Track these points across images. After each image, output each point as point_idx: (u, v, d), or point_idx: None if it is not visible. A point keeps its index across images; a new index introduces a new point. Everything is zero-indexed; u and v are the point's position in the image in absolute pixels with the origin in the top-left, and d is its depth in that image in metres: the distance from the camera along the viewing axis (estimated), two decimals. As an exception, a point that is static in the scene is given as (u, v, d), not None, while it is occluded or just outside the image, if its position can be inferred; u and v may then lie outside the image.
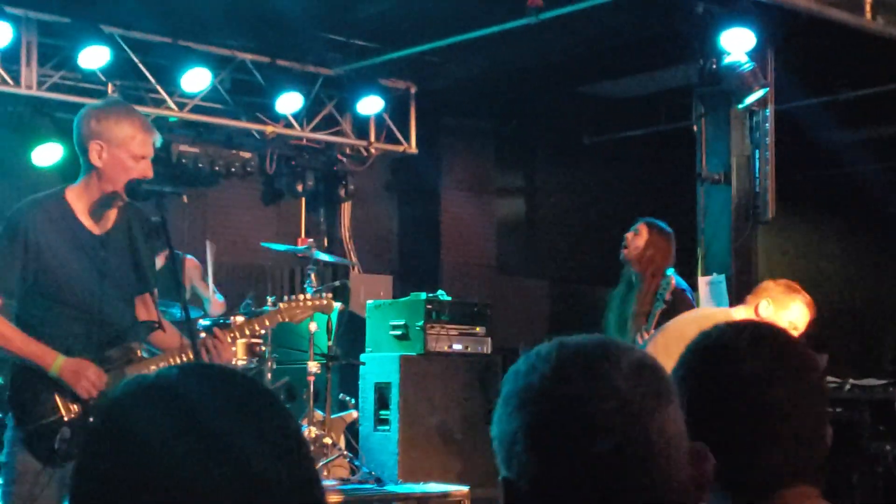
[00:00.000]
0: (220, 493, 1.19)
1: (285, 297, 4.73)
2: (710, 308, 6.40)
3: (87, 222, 4.16)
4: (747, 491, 1.82)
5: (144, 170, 4.14)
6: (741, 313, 5.42)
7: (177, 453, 1.20)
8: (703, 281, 8.07)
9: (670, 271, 6.10)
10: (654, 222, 6.68)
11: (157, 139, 4.22)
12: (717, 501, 1.80)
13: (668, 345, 5.45)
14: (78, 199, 4.15)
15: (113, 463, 1.22)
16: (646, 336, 5.97)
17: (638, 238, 6.59)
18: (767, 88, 8.14)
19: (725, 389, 1.85)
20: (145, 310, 4.35)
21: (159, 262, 7.49)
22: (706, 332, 1.95)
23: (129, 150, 4.09)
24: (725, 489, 1.80)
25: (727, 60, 7.99)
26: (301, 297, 4.73)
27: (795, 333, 5.30)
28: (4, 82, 8.66)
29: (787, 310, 5.34)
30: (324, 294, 4.99)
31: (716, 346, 1.91)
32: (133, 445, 1.22)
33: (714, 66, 8.11)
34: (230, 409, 1.25)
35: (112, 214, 4.21)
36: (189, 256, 8.59)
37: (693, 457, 1.49)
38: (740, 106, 8.16)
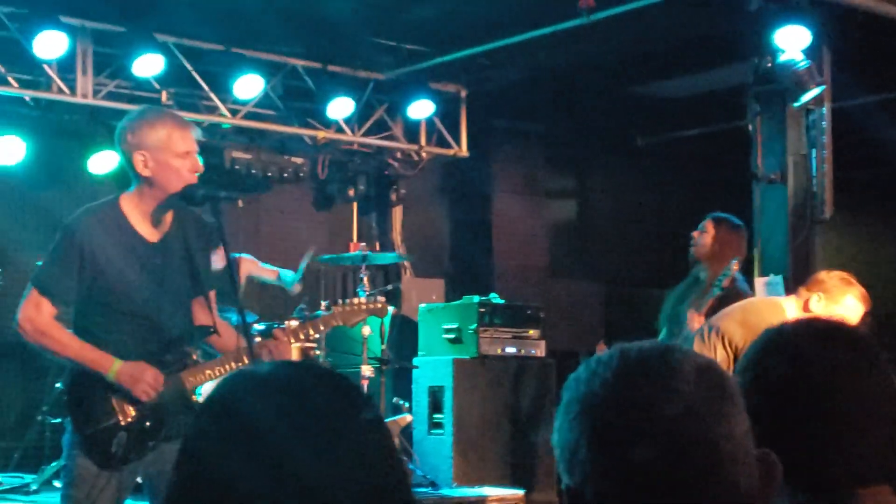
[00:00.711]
0: None
1: (339, 301, 4.73)
2: (760, 298, 6.31)
3: (141, 230, 4.18)
4: (821, 491, 1.78)
5: (194, 164, 4.15)
6: (791, 305, 5.35)
7: (246, 476, 1.20)
8: (759, 282, 7.98)
9: (735, 260, 6.01)
10: (721, 217, 6.56)
11: (197, 132, 4.23)
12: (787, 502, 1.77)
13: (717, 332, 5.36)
14: (133, 207, 4.18)
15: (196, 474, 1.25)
16: (695, 317, 5.86)
17: (705, 236, 6.50)
18: (824, 86, 8.04)
19: (796, 388, 1.80)
20: (202, 313, 4.36)
21: (219, 261, 7.51)
22: (773, 329, 1.90)
23: (170, 150, 4.12)
24: (798, 490, 1.76)
25: (782, 58, 7.90)
26: (355, 300, 4.73)
27: None
28: (61, 91, 8.76)
29: (838, 304, 5.24)
30: (377, 297, 4.99)
31: (785, 344, 1.86)
32: (207, 466, 1.25)
33: (769, 65, 8.02)
34: (305, 433, 1.23)
35: (167, 220, 4.23)
36: (242, 255, 8.62)
37: (760, 463, 1.47)
38: (796, 104, 8.07)
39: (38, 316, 4.05)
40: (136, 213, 4.18)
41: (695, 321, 5.85)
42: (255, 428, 1.23)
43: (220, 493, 1.21)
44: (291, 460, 1.20)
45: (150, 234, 4.20)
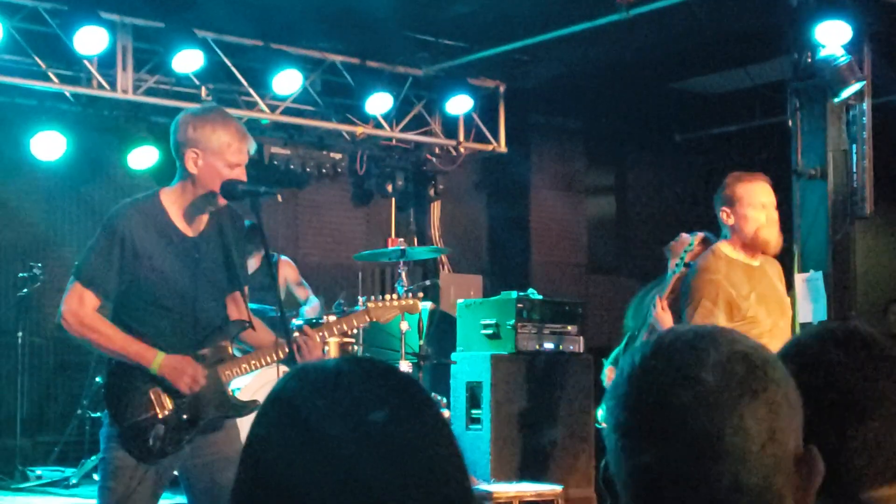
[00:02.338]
0: None
1: (373, 298, 4.74)
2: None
3: (180, 225, 4.21)
4: (833, 495, 1.75)
5: (239, 177, 4.18)
6: (723, 242, 5.30)
7: (307, 477, 1.20)
8: (799, 278, 7.91)
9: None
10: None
11: (252, 146, 4.25)
12: None
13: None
14: (172, 202, 4.20)
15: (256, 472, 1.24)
16: (659, 301, 5.79)
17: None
18: (864, 82, 7.97)
19: (816, 394, 1.77)
20: (236, 308, 4.39)
21: (255, 263, 7.55)
22: (791, 340, 1.87)
23: (224, 158, 4.13)
24: (822, 495, 1.73)
25: (823, 54, 7.84)
26: (388, 297, 4.74)
27: (773, 213, 5.12)
28: (101, 87, 8.83)
29: (751, 206, 5.19)
30: (412, 294, 4.99)
31: (803, 350, 1.83)
32: (261, 456, 1.24)
33: (809, 60, 7.97)
34: (359, 431, 1.21)
35: (205, 216, 4.26)
36: (284, 258, 8.67)
37: (798, 462, 1.40)
38: (836, 100, 8.01)
39: (82, 309, 4.08)
40: (175, 207, 4.20)
41: (659, 305, 5.77)
42: (318, 429, 1.21)
43: (282, 494, 1.20)
44: (355, 464, 1.18)
45: (188, 229, 4.22)
